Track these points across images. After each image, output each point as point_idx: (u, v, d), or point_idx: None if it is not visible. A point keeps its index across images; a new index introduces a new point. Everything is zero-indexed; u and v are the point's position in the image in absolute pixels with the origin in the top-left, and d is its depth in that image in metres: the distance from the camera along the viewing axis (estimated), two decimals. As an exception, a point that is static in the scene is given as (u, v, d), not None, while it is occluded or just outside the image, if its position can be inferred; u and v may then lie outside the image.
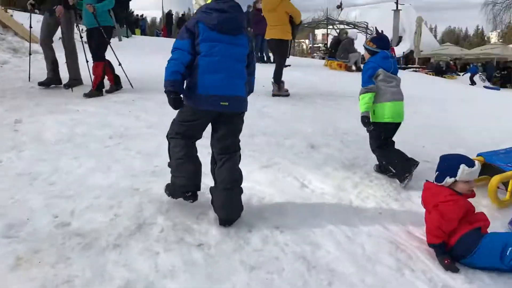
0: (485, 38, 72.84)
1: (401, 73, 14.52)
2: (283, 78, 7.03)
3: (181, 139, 2.89)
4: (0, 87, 6.15)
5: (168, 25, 28.23)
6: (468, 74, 24.07)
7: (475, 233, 2.66)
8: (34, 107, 5.20)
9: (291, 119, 5.54)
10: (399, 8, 35.39)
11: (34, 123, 4.59)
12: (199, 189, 3.01)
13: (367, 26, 26.37)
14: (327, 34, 29.51)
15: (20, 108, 5.10)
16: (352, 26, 26.60)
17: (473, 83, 21.79)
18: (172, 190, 3.02)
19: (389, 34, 36.04)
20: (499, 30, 33.66)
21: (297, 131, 4.97)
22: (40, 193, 3.13)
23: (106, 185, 3.29)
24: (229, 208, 2.85)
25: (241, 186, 2.95)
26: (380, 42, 4.01)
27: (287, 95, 6.99)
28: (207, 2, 2.88)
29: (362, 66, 13.40)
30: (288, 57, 7.23)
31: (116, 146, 4.11)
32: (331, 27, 29.38)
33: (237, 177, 2.94)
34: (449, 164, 2.80)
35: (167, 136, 3.01)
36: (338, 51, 13.28)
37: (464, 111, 7.70)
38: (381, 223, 3.10)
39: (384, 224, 3.10)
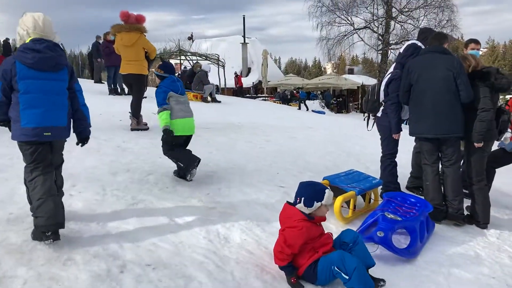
0: (322, 69, 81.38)
1: (252, 102, 15.58)
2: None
3: (35, 171, 3.10)
4: None
5: (6, 54, 25.82)
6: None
7: (315, 264, 2.97)
8: None
9: (153, 153, 5.58)
10: (246, 41, 37.73)
11: None
12: (61, 227, 3.01)
13: (218, 57, 27.50)
14: (180, 65, 29.94)
15: None
16: (205, 57, 27.48)
17: (306, 107, 24.37)
18: (35, 233, 3.00)
19: (239, 65, 38.20)
20: (333, 62, 38.01)
21: (160, 166, 5.04)
22: None
23: (-49, 240, 2.97)
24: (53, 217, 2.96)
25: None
26: (166, 68, 4.86)
27: (146, 129, 7.01)
28: (26, 41, 3.13)
29: (216, 97, 14.06)
30: (145, 90, 7.29)
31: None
32: (183, 57, 29.93)
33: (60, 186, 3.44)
34: (315, 189, 3.11)
35: (24, 182, 3.14)
36: (193, 83, 13.69)
37: (309, 138, 8.56)
38: (247, 249, 3.35)
39: (249, 249, 3.36)
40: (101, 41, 13.52)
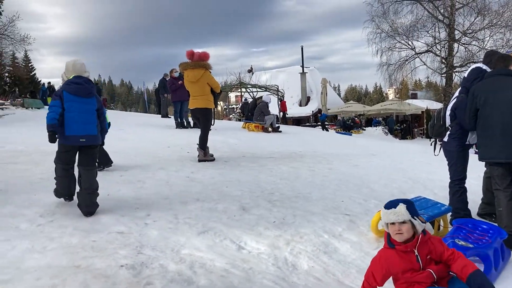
0: (384, 95, 79.87)
1: (313, 131, 15.59)
2: (206, 143, 7.39)
3: (60, 165, 4.58)
4: None
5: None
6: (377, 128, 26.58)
7: None
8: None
9: (220, 183, 5.80)
10: (304, 71, 38.09)
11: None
12: (73, 195, 4.63)
13: (277, 88, 27.97)
14: (241, 97, 30.74)
15: None
16: (264, 88, 28.05)
17: (324, 129, 24.30)
18: (56, 193, 4.66)
19: (298, 94, 38.56)
20: (395, 87, 37.34)
21: (227, 195, 5.23)
22: (-27, 280, 3.03)
23: (45, 265, 3.27)
24: (90, 207, 4.37)
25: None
26: None
27: (213, 160, 7.29)
28: (70, 78, 4.62)
29: (277, 126, 14.29)
30: (213, 124, 7.63)
31: (49, 224, 4.07)
32: (244, 89, 30.75)
33: (96, 185, 4.53)
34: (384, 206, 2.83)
35: (54, 161, 4.64)
36: (254, 114, 14.04)
37: (372, 165, 8.47)
38: (315, 276, 3.40)
39: (317, 276, 3.40)
40: (167, 78, 14.27)
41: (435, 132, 5.08)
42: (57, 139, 4.46)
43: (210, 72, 7.47)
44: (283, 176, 6.46)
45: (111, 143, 8.36)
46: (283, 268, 3.50)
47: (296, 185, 5.96)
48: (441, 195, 5.61)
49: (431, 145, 5.55)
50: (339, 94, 67.62)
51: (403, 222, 2.62)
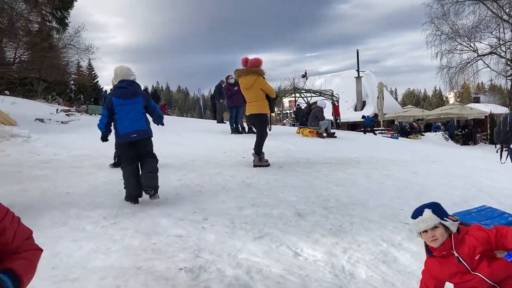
0: (444, 98, 76.78)
1: (368, 136, 15.22)
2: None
3: (126, 166, 5.07)
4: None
5: (156, 99, 28.42)
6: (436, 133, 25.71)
7: None
8: (23, 192, 5.30)
9: (275, 188, 5.80)
10: (360, 75, 37.42)
11: (28, 209, 4.68)
12: (140, 196, 5.04)
13: (332, 93, 27.65)
14: (295, 102, 30.66)
15: (8, 195, 5.19)
16: (319, 93, 27.83)
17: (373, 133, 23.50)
18: (127, 198, 4.99)
19: (353, 99, 37.91)
20: (456, 91, 35.76)
21: (282, 200, 5.22)
22: (44, 278, 3.21)
23: (109, 265, 3.41)
24: (151, 181, 4.89)
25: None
26: None
27: (268, 165, 7.31)
28: (116, 83, 5.28)
29: (332, 131, 14.12)
30: (270, 130, 7.66)
31: (112, 226, 4.24)
32: (298, 95, 30.66)
33: (156, 169, 5.07)
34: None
35: (121, 167, 5.18)
36: (309, 119, 13.95)
37: (432, 171, 8.16)
38: (373, 285, 3.31)
39: (376, 286, 3.31)
40: (223, 84, 14.50)
41: (501, 138, 4.83)
42: (114, 141, 5.19)
43: (264, 78, 7.51)
44: (339, 183, 6.36)
45: (169, 148, 8.62)
46: (341, 276, 3.44)
47: (352, 191, 5.85)
48: (508, 204, 5.32)
49: (497, 152, 5.28)
50: (396, 98, 65.82)
51: (435, 227, 2.50)
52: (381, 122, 31.04)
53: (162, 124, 5.55)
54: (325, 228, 4.38)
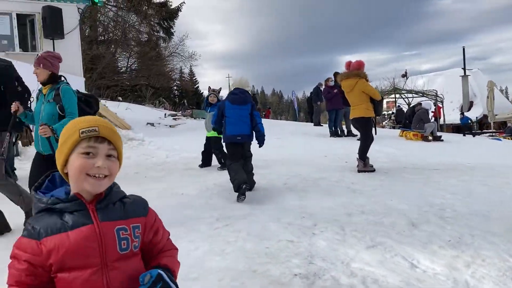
0: None
1: (478, 140, 14.12)
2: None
3: (232, 163, 5.69)
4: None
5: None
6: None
7: None
8: (144, 192, 5.69)
9: (383, 195, 5.61)
10: (467, 73, 34.96)
11: (147, 208, 5.02)
12: (247, 181, 5.47)
13: (436, 93, 26.15)
14: (395, 103, 29.51)
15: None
16: (421, 94, 26.49)
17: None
18: (236, 187, 5.38)
19: (459, 99, 35.52)
20: None
21: (393, 208, 5.03)
22: (167, 275, 3.41)
23: (225, 267, 3.53)
24: (241, 175, 5.43)
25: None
26: None
27: (373, 171, 7.10)
28: (231, 90, 6.01)
29: (438, 134, 13.33)
30: (375, 134, 7.45)
31: (225, 228, 4.40)
32: (398, 95, 29.48)
33: (251, 168, 5.94)
34: None
35: (227, 163, 5.91)
36: (413, 122, 13.32)
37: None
38: (503, 305, 3.05)
39: (506, 306, 3.05)
40: (321, 87, 14.41)
41: None
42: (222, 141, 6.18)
43: (367, 80, 7.31)
44: (453, 191, 5.97)
45: (271, 151, 8.77)
46: (464, 292, 3.21)
47: (469, 201, 5.45)
48: None
49: None
50: (507, 97, 60.49)
51: None
52: (491, 123, 28.68)
53: (262, 144, 5.91)
54: (443, 240, 4.12)
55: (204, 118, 7.80)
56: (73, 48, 12.30)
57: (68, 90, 4.21)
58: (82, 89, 11.35)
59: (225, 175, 6.67)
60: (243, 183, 5.31)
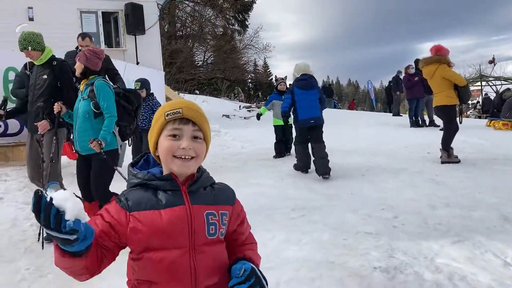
0: None
1: None
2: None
3: (299, 144, 6.18)
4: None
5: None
6: None
7: None
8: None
9: (470, 188, 5.24)
10: None
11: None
12: (309, 168, 6.12)
13: (529, 79, 24.07)
14: (481, 91, 27.61)
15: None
16: (511, 81, 24.54)
17: None
18: (296, 167, 6.21)
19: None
20: None
21: (482, 202, 4.68)
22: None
23: (302, 257, 3.48)
24: (326, 169, 5.76)
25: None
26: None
27: (458, 162, 6.66)
28: (297, 76, 6.25)
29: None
30: (460, 123, 6.97)
31: (300, 219, 4.35)
32: (484, 83, 27.55)
33: (326, 154, 5.92)
34: None
35: (294, 143, 6.42)
36: (503, 110, 12.34)
37: None
38: None
39: None
40: (401, 75, 13.80)
41: None
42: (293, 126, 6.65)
43: (450, 66, 6.81)
44: (552, 184, 5.43)
45: (349, 142, 8.56)
46: None
47: None
48: None
49: None
50: None
51: None
52: None
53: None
54: (540, 236, 3.76)
55: (271, 110, 7.84)
56: (153, 43, 12.84)
57: (102, 85, 3.93)
58: (162, 83, 11.83)
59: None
60: (304, 168, 6.10)
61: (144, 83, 6.38)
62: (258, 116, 7.92)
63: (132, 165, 1.47)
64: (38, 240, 4.06)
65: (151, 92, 6.57)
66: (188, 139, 1.35)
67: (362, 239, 3.76)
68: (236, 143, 8.80)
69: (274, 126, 7.71)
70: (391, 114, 16.83)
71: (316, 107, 6.04)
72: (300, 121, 6.05)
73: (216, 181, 1.52)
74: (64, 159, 5.49)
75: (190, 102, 1.43)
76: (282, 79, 8.11)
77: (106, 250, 1.31)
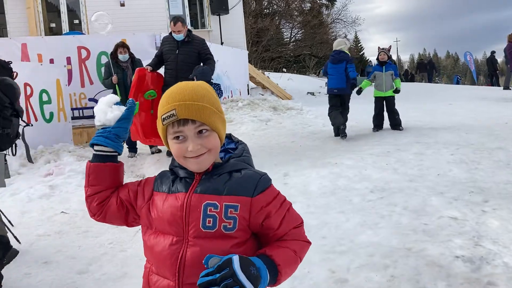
0: None
1: None
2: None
3: (331, 108, 7.16)
4: (268, 142, 7.00)
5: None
6: None
7: None
8: (297, 161, 5.70)
9: None
10: None
11: (300, 177, 5.00)
12: (341, 124, 6.92)
13: None
14: None
15: (286, 163, 5.65)
16: None
17: None
18: (333, 125, 7.12)
19: None
20: None
21: None
22: (314, 246, 3.31)
23: (377, 242, 3.28)
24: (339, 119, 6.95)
25: None
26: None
27: None
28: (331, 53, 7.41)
29: None
30: None
31: (379, 201, 4.11)
32: None
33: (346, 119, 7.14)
34: None
35: (328, 110, 7.26)
36: None
37: None
38: None
39: None
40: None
41: None
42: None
43: None
44: None
45: (439, 118, 7.97)
46: None
47: None
48: None
49: None
50: None
51: None
52: None
53: (350, 88, 7.18)
54: None
55: (373, 82, 7.61)
56: (237, 22, 12.91)
57: None
58: (246, 63, 11.89)
59: (381, 145, 6.30)
60: (341, 124, 6.85)
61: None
62: (359, 91, 7.69)
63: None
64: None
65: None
66: (193, 139, 1.23)
67: (445, 224, 3.46)
68: (318, 121, 8.59)
69: (375, 97, 7.62)
70: (502, 88, 15.31)
71: (342, 79, 6.95)
72: (328, 89, 7.29)
73: (252, 168, 1.35)
74: None
75: (185, 94, 1.25)
76: (383, 49, 7.82)
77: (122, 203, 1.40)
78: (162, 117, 1.25)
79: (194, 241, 1.23)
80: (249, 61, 12.71)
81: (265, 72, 16.12)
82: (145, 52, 7.96)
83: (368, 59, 44.82)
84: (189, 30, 6.14)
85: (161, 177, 1.37)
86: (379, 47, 7.88)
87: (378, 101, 7.58)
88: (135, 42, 8.19)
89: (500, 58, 22.77)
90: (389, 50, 7.86)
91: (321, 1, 29.58)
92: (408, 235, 3.33)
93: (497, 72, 19.91)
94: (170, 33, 6.11)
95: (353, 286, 2.73)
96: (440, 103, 11.02)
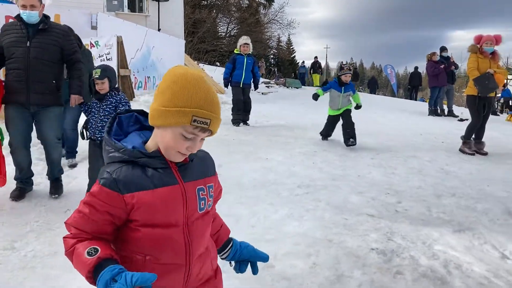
0: None
1: None
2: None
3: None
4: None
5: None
6: None
7: None
8: (231, 154, 5.86)
9: (479, 180, 5.21)
10: None
11: (233, 169, 5.16)
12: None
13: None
14: (505, 85, 26.88)
15: (220, 154, 5.78)
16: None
17: None
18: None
19: None
20: None
21: (489, 195, 4.66)
22: (243, 234, 3.50)
23: (302, 233, 3.54)
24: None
25: None
26: None
27: (472, 154, 6.60)
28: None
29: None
30: (483, 114, 6.79)
31: (305, 196, 4.40)
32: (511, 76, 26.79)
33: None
34: None
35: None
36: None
37: None
38: None
39: None
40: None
41: None
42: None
43: (477, 55, 6.63)
44: None
45: (364, 126, 8.52)
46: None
47: None
48: None
49: None
50: None
51: None
52: None
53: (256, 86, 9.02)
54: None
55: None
56: (176, 10, 12.81)
57: None
58: (182, 52, 11.82)
59: (309, 146, 6.64)
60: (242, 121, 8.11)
61: (105, 71, 3.99)
62: (316, 96, 7.08)
63: (108, 132, 1.35)
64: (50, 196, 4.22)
65: (116, 85, 4.17)
66: (198, 143, 1.29)
67: (363, 220, 3.80)
68: (251, 117, 8.84)
69: (329, 115, 7.00)
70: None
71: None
72: (232, 82, 8.62)
73: (211, 153, 1.50)
74: None
75: (218, 107, 1.27)
76: (349, 68, 7.02)
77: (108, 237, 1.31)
78: (195, 119, 1.21)
79: (193, 223, 1.34)
80: (185, 51, 12.66)
81: (200, 64, 16.10)
82: (81, 30, 7.68)
83: (298, 62, 46.10)
84: (46, 16, 4.12)
85: (119, 175, 1.26)
86: (342, 64, 7.39)
87: (332, 118, 6.96)
88: (70, 19, 7.87)
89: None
90: (352, 69, 7.22)
91: (259, 0, 29.98)
92: (330, 228, 3.63)
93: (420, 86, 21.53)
94: (18, 16, 4.00)
95: (279, 271, 2.94)
96: (365, 111, 11.72)
